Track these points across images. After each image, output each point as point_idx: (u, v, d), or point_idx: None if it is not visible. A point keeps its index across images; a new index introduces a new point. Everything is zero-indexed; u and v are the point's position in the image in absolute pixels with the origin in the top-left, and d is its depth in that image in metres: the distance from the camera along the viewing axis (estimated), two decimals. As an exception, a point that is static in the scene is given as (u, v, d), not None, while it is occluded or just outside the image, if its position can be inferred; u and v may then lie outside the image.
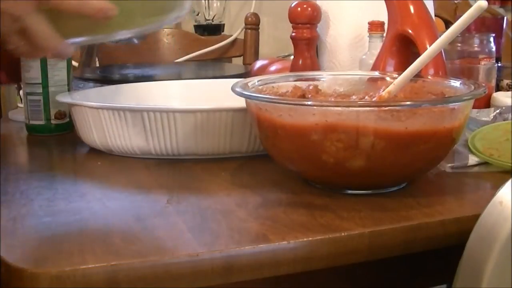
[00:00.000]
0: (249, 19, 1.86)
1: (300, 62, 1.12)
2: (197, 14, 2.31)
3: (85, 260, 0.53)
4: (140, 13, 0.75)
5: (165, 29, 1.89)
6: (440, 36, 0.71)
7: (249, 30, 1.86)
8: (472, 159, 0.77)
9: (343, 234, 0.59)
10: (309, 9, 1.10)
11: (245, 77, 0.92)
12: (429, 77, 0.80)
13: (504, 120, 0.88)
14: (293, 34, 1.12)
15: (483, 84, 0.73)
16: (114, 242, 0.58)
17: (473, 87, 0.70)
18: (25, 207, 0.68)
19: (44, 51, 0.72)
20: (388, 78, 0.81)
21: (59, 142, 0.98)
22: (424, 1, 0.94)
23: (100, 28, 0.73)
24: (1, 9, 0.66)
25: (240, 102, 0.74)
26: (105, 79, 1.23)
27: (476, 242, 0.55)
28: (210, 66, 1.59)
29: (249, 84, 0.76)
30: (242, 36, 1.89)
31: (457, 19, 0.68)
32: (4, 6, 0.66)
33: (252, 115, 0.71)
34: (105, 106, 0.83)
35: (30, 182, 0.79)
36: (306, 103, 0.68)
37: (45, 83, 0.99)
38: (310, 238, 0.58)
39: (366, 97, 0.75)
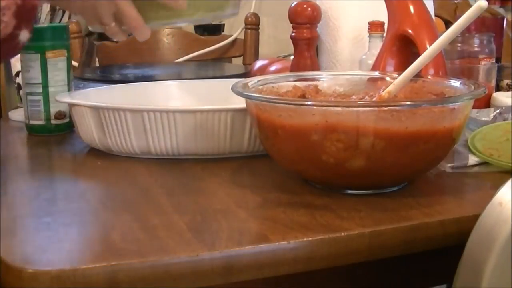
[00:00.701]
0: (249, 19, 1.86)
1: (300, 62, 1.12)
2: (197, 14, 2.31)
3: (85, 260, 0.53)
4: (204, 7, 0.91)
5: (165, 29, 1.89)
6: (440, 36, 0.71)
7: (249, 30, 1.86)
8: (472, 159, 0.77)
9: (343, 234, 0.59)
10: (309, 9, 1.10)
11: (245, 77, 0.92)
12: (429, 77, 0.80)
13: (504, 120, 0.88)
14: (293, 34, 1.12)
15: (483, 84, 0.73)
16: (114, 242, 0.58)
17: (473, 87, 0.70)
18: (25, 207, 0.68)
19: (128, 32, 0.87)
20: (388, 78, 0.81)
21: (59, 142, 0.98)
22: (424, 1, 0.94)
23: (170, 16, 0.89)
24: None
25: (240, 102, 0.74)
26: (105, 79, 1.23)
27: (476, 243, 0.55)
28: (210, 66, 1.59)
29: (249, 84, 0.76)
30: (242, 36, 1.89)
31: (457, 19, 0.68)
32: None
33: (252, 115, 0.71)
34: (105, 106, 0.83)
35: (30, 182, 0.79)
36: (306, 103, 0.68)
37: (45, 83, 0.99)
38: (310, 238, 0.58)
39: (366, 97, 0.75)
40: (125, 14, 0.86)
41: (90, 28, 1.00)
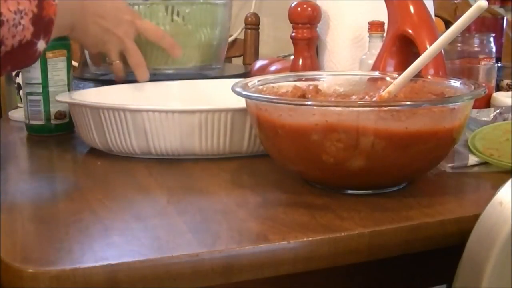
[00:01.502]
0: (249, 19, 1.86)
1: (300, 62, 1.12)
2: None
3: (85, 260, 0.53)
4: (196, 59, 1.08)
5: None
6: (440, 36, 0.71)
7: (249, 30, 1.86)
8: (472, 159, 0.77)
9: (343, 234, 0.59)
10: (309, 9, 1.10)
11: (245, 77, 0.92)
12: (429, 77, 0.80)
13: (504, 120, 0.88)
14: (293, 34, 1.12)
15: (483, 84, 0.73)
16: (114, 242, 0.58)
17: (473, 87, 0.70)
18: (25, 207, 0.68)
19: (130, 70, 0.99)
20: (388, 78, 0.81)
21: (59, 142, 0.98)
22: (424, 1, 0.94)
23: (167, 62, 1.04)
24: (111, 29, 0.94)
25: (240, 102, 0.74)
26: (105, 79, 1.22)
27: (476, 242, 0.55)
28: (210, 66, 1.59)
29: (249, 84, 0.76)
30: (242, 36, 1.89)
31: (457, 19, 0.68)
32: (110, 26, 0.94)
33: (252, 115, 0.71)
34: (105, 106, 0.83)
35: (30, 182, 0.79)
36: (306, 103, 0.68)
37: (45, 83, 0.99)
38: (310, 238, 0.58)
39: (366, 97, 0.75)
40: (130, 53, 0.96)
41: (93, 70, 1.09)
